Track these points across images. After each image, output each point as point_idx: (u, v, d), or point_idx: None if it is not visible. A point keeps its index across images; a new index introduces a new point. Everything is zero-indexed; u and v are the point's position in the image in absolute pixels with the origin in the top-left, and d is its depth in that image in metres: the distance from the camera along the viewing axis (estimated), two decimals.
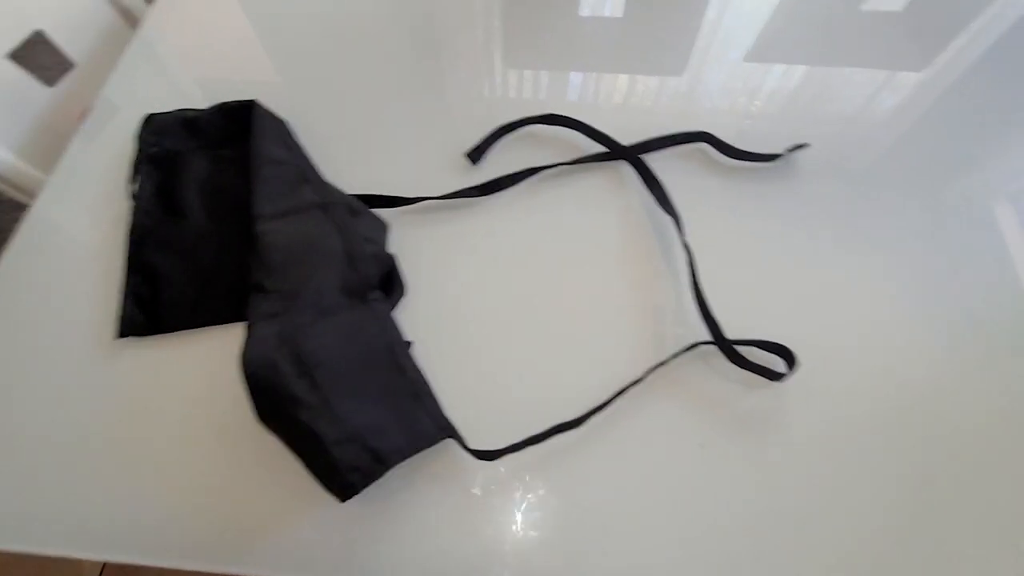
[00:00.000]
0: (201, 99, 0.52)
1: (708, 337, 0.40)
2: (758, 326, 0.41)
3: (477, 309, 0.43)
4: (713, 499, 0.36)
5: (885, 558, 0.35)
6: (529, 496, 0.37)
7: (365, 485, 0.33)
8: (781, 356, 0.40)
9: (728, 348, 0.39)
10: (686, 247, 0.43)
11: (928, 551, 0.35)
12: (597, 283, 0.44)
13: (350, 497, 0.33)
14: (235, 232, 0.42)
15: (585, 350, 0.41)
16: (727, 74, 0.56)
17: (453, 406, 0.39)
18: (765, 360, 0.40)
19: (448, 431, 0.36)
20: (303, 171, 0.43)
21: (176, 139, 0.47)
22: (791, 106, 0.53)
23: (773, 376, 0.39)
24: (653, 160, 0.50)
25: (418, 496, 0.36)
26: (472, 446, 0.37)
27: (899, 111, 0.53)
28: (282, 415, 0.32)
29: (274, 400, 0.32)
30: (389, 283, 0.42)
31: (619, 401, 0.39)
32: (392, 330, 0.39)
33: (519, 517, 0.36)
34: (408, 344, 0.40)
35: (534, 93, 0.55)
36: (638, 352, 0.41)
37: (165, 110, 0.50)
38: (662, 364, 0.40)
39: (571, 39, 0.58)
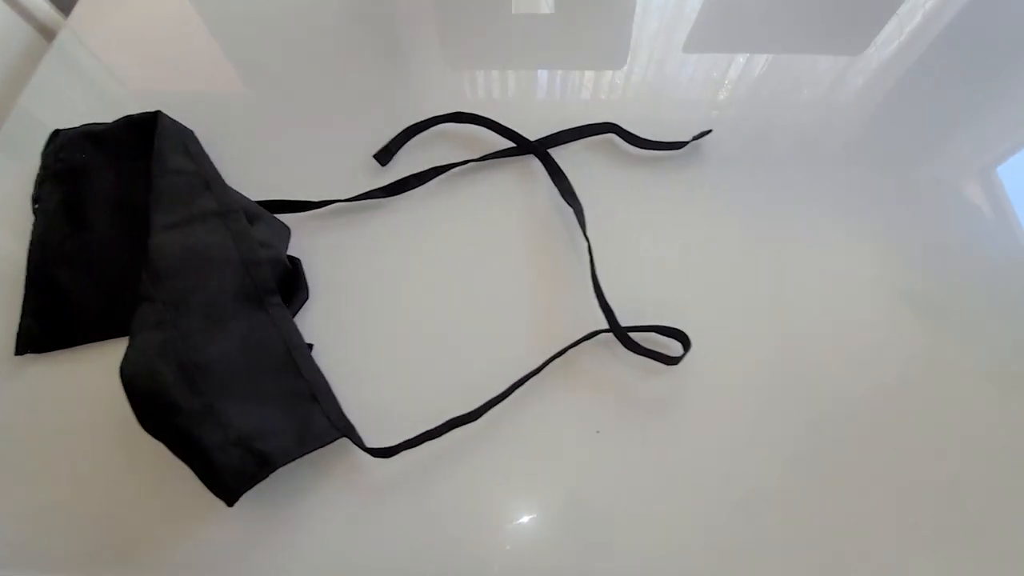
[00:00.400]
0: (117, 110, 0.52)
1: (607, 326, 0.41)
2: (669, 312, 0.42)
3: (383, 309, 0.43)
4: (608, 484, 0.37)
5: (782, 539, 0.35)
6: (426, 491, 0.37)
7: (248, 487, 0.33)
8: (679, 340, 0.41)
9: (622, 335, 0.40)
10: (586, 237, 0.43)
11: (826, 530, 0.36)
12: (502, 278, 0.44)
13: (235, 500, 0.33)
14: (141, 244, 0.42)
15: (490, 345, 0.42)
16: (666, 65, 0.56)
17: (358, 406, 0.39)
18: (664, 345, 0.41)
19: (343, 430, 0.36)
20: (205, 180, 0.43)
21: (82, 154, 0.47)
22: (730, 94, 0.54)
23: (668, 360, 0.39)
24: (565, 153, 0.50)
25: (315, 496, 0.37)
26: (376, 444, 0.37)
27: (829, 94, 0.54)
28: (164, 423, 0.33)
29: (155, 408, 0.33)
30: (291, 287, 0.42)
31: (519, 393, 0.40)
32: (291, 333, 0.39)
33: (416, 512, 0.36)
34: (309, 347, 0.40)
35: (458, 93, 0.55)
36: (542, 344, 0.41)
37: (81, 121, 0.49)
38: (560, 354, 0.40)
39: (499, 37, 0.58)
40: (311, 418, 0.37)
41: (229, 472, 0.32)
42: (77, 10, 0.61)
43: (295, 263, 0.44)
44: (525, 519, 0.36)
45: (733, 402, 0.39)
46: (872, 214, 0.46)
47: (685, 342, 0.40)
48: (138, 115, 0.48)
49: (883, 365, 0.40)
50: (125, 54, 0.58)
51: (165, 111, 0.48)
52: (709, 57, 0.56)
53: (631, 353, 0.41)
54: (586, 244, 0.43)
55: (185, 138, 0.47)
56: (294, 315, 0.42)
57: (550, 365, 0.40)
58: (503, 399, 0.39)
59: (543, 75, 0.56)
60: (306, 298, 0.43)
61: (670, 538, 0.35)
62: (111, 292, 0.43)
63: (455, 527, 0.36)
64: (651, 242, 0.46)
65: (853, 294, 0.43)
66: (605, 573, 0.35)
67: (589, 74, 0.56)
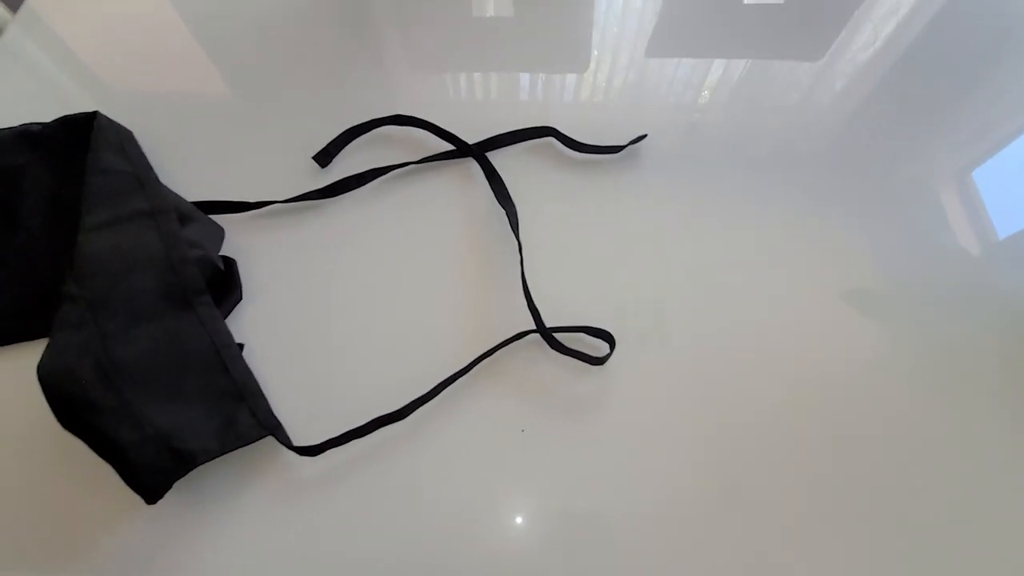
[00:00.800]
0: (60, 108, 0.51)
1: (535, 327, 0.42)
2: (602, 313, 0.43)
3: (317, 310, 0.44)
4: (531, 482, 0.38)
5: (709, 539, 0.36)
6: (354, 490, 0.38)
7: (166, 485, 0.33)
8: (605, 340, 0.42)
9: (548, 335, 0.41)
10: (518, 239, 0.44)
11: (753, 529, 0.36)
12: (436, 280, 0.45)
13: (155, 498, 0.33)
14: (73, 245, 0.42)
15: (423, 345, 0.42)
16: (630, 70, 0.57)
17: (290, 405, 0.39)
18: (592, 345, 0.42)
19: (269, 428, 0.37)
20: (139, 180, 0.44)
21: (17, 154, 0.47)
22: (697, 98, 0.55)
23: (593, 360, 0.40)
24: (506, 156, 0.51)
25: (244, 495, 0.37)
26: (308, 443, 0.37)
27: (779, 100, 0.55)
28: (81, 421, 0.33)
29: (71, 407, 0.33)
30: (223, 287, 0.42)
31: (448, 393, 0.40)
32: (219, 333, 0.39)
33: (344, 511, 0.37)
34: (240, 346, 0.41)
35: (409, 95, 0.55)
36: (474, 345, 0.42)
37: (27, 120, 0.49)
38: (488, 354, 0.41)
39: (448, 40, 0.59)
40: (236, 416, 0.37)
41: (146, 470, 0.33)
42: (24, 8, 0.61)
43: (229, 263, 0.44)
44: (449, 517, 0.37)
45: (659, 401, 0.40)
46: (810, 215, 0.48)
47: (612, 342, 0.41)
48: (75, 115, 0.48)
49: (816, 366, 0.41)
50: (71, 53, 0.57)
51: (106, 110, 0.48)
52: (657, 63, 0.58)
53: (558, 353, 0.41)
54: (519, 246, 0.44)
55: (122, 138, 0.47)
56: (226, 315, 0.42)
57: (479, 365, 0.41)
58: (430, 398, 0.39)
59: (492, 78, 0.57)
60: (240, 298, 0.43)
61: (592, 536, 0.36)
62: (42, 293, 0.43)
63: (382, 525, 0.37)
64: (586, 244, 0.47)
65: (787, 295, 0.44)
66: (524, 570, 0.35)
67: (540, 77, 0.57)
